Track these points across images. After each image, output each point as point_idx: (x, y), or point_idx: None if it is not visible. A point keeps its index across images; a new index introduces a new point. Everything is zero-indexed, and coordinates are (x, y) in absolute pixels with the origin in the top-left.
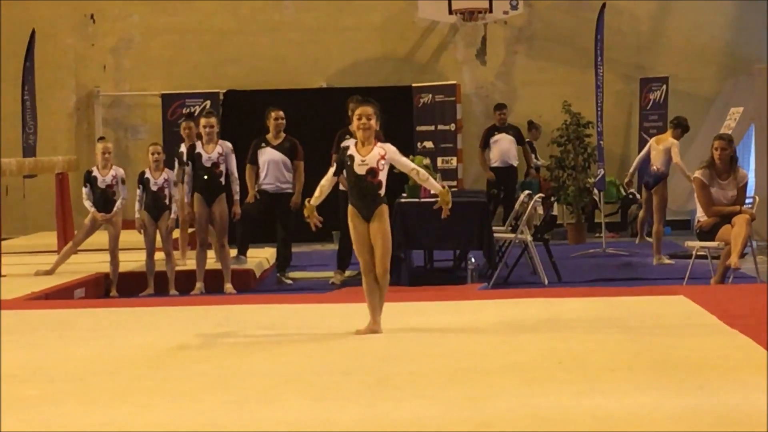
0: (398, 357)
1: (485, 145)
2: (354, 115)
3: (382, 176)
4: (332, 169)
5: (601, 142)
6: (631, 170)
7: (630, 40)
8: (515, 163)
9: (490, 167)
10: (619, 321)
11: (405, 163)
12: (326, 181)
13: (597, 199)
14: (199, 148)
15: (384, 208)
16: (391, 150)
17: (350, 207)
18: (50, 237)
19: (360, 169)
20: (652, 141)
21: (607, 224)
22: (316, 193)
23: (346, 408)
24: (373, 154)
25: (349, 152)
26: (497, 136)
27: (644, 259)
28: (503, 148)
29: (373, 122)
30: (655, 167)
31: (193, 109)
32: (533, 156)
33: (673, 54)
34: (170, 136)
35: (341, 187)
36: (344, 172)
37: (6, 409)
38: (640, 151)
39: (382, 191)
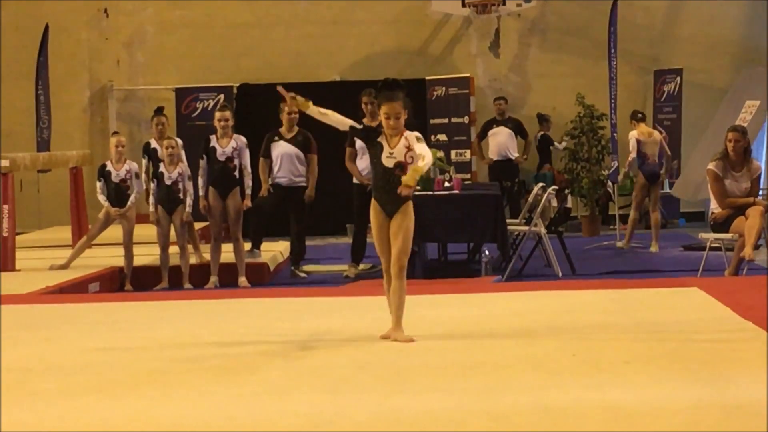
0: (412, 350)
1: (483, 136)
2: (381, 112)
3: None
4: (351, 122)
5: (615, 135)
6: (625, 170)
7: (644, 32)
8: (513, 157)
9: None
10: (633, 313)
11: (418, 149)
12: (339, 119)
13: (611, 191)
14: (213, 142)
15: (409, 205)
16: (411, 139)
17: (374, 203)
18: (64, 231)
19: (388, 162)
20: (637, 137)
21: (621, 216)
22: (325, 111)
23: (360, 401)
24: (400, 147)
25: (379, 139)
26: (495, 129)
27: (658, 251)
28: (500, 141)
29: (401, 120)
30: (651, 160)
31: (210, 104)
32: (554, 144)
33: (687, 46)
34: (184, 130)
35: (355, 180)
36: (368, 159)
37: (21, 402)
38: None
39: None
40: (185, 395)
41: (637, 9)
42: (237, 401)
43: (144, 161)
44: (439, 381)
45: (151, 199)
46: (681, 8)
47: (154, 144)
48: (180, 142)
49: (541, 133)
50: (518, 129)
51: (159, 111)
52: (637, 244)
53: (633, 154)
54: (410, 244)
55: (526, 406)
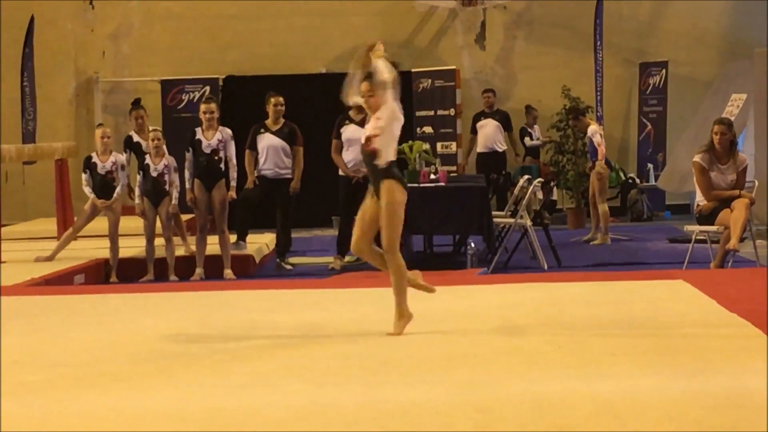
0: (398, 341)
1: (474, 130)
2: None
3: (378, 142)
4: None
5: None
6: (601, 162)
7: (629, 25)
8: (500, 149)
9: (477, 153)
10: (619, 305)
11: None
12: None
13: None
14: (199, 135)
15: (388, 185)
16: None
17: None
18: (50, 223)
19: (363, 139)
20: (597, 129)
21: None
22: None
23: (347, 392)
24: (371, 122)
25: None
26: (483, 122)
27: (644, 244)
28: (488, 133)
29: (374, 98)
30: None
31: (196, 96)
32: (530, 137)
33: (673, 38)
34: (170, 122)
35: (341, 173)
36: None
37: (7, 394)
38: (640, 135)
39: (380, 162)
40: (171, 387)
41: (622, 1)
42: (223, 393)
43: (126, 155)
44: (425, 373)
45: (137, 190)
46: (667, 1)
47: (136, 138)
48: (231, 131)
49: (523, 125)
50: (505, 121)
51: (136, 104)
52: (622, 237)
53: (603, 147)
54: (395, 222)
55: (511, 398)
